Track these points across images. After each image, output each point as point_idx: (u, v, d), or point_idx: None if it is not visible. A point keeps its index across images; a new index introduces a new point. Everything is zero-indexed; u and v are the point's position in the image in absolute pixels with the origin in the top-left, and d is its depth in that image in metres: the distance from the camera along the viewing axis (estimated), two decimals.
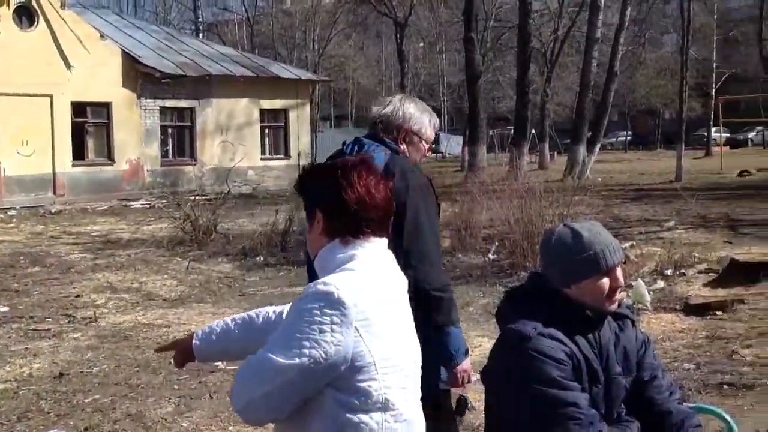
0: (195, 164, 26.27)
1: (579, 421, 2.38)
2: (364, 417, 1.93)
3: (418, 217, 3.17)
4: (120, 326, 7.91)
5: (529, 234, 10.05)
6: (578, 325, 2.51)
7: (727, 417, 3.07)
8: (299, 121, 29.36)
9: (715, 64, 41.39)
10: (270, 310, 2.30)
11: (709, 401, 4.95)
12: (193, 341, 2.30)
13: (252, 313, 2.31)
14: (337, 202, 2.04)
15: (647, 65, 48.88)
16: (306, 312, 1.90)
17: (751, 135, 47.37)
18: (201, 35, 45.72)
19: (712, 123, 37.98)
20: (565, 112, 45.74)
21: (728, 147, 39.16)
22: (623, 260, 2.55)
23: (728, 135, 41.70)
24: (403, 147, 3.40)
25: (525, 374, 2.41)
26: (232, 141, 25.93)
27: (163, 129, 26.35)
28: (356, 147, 3.35)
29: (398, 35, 40.29)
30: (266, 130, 28.79)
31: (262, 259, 11.66)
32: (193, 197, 14.61)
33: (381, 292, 2.00)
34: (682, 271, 9.21)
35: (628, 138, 52.41)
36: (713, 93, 39.26)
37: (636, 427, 2.56)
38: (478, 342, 6.98)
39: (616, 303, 2.57)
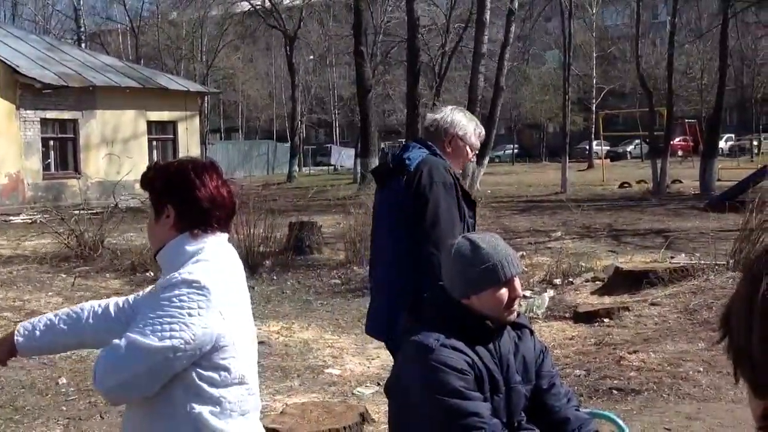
0: (79, 177, 25.35)
1: (482, 431, 2.42)
2: (223, 391, 2.16)
3: (438, 209, 3.56)
4: None
5: None
6: (479, 335, 2.55)
7: (619, 421, 3.19)
8: (188, 133, 28.82)
9: (595, 80, 43.05)
10: (95, 304, 2.44)
11: (599, 406, 5.12)
12: (15, 337, 2.37)
13: (76, 308, 2.44)
14: (191, 198, 2.24)
15: (531, 81, 50.40)
16: (174, 298, 2.10)
17: (629, 148, 49.47)
18: (83, 45, 44.30)
19: (593, 136, 39.50)
20: None
21: (609, 159, 40.75)
22: (521, 271, 2.62)
23: (608, 148, 43.38)
24: (449, 150, 3.77)
25: (428, 385, 2.43)
26: (118, 154, 25.16)
27: (45, 141, 25.35)
28: (402, 149, 3.85)
29: (288, 48, 40.17)
30: (154, 143, 28.12)
31: (151, 274, 11.35)
32: (77, 211, 14.08)
33: (232, 279, 2.25)
34: (570, 279, 9.51)
35: (515, 151, 53.77)
36: (594, 107, 40.85)
37: None
38: (375, 354, 7.01)
39: (515, 313, 2.63)
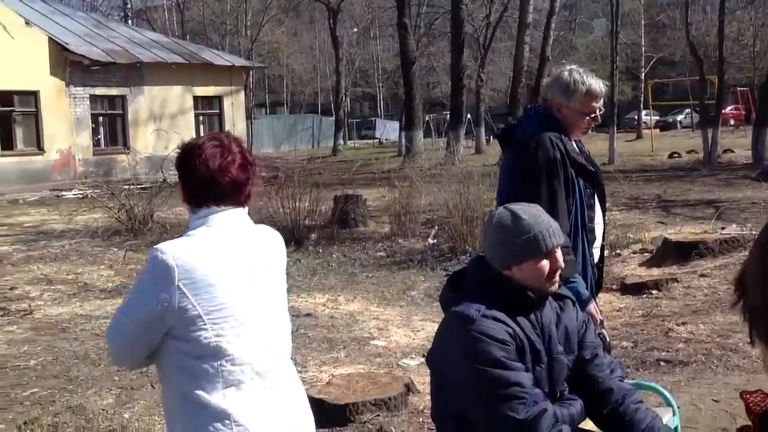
0: (128, 153, 25.73)
1: (523, 400, 2.42)
2: (199, 361, 2.24)
3: (539, 184, 3.50)
4: (56, 318, 7.74)
5: (468, 218, 10.14)
6: (520, 306, 2.55)
7: (665, 392, 3.17)
8: (234, 107, 29.04)
9: (643, 48, 42.20)
10: None
11: (646, 378, 5.09)
12: None
13: None
14: (189, 176, 2.35)
15: (578, 50, 49.63)
16: (143, 273, 2.30)
17: (679, 117, 48.49)
18: (130, 21, 44.76)
19: (642, 106, 38.83)
20: (499, 97, 46.21)
21: (658, 129, 40.06)
22: (563, 242, 2.60)
23: (658, 118, 42.61)
24: (560, 117, 3.60)
25: (469, 355, 2.44)
26: (165, 129, 25.49)
27: (94, 117, 25.77)
28: (521, 116, 3.97)
29: (331, 21, 40.09)
30: (200, 118, 28.40)
31: None
32: (127, 186, 14.32)
33: (220, 255, 2.27)
34: (618, 251, 9.42)
35: None
36: (642, 77, 40.09)
37: (579, 405, 2.62)
38: (420, 326, 7.04)
39: (557, 284, 2.62)
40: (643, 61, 41.76)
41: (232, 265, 2.30)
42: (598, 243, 3.72)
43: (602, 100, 3.66)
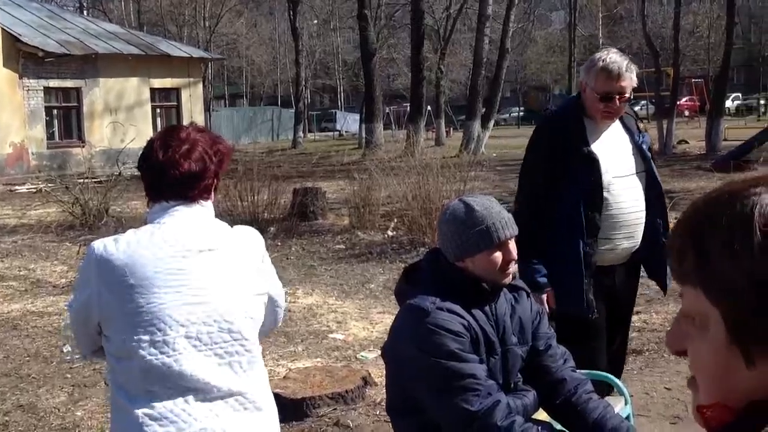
0: (83, 146, 25.34)
1: (477, 392, 2.42)
2: (120, 364, 2.18)
3: (522, 168, 3.68)
4: (8, 315, 7.59)
5: (427, 210, 10.15)
6: (474, 298, 2.55)
7: (617, 381, 3.19)
8: (192, 100, 28.74)
9: (601, 41, 42.65)
10: None
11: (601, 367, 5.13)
12: None
13: None
14: (140, 169, 2.31)
15: (537, 42, 49.99)
16: (79, 268, 2.31)
17: (636, 108, 48.79)
18: (85, 12, 44.05)
19: None
20: (459, 89, 46.39)
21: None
22: (516, 233, 2.60)
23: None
24: (584, 96, 3.50)
25: (424, 348, 2.44)
26: (122, 121, 25.12)
27: (48, 110, 25.32)
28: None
29: (291, 12, 39.83)
30: (158, 110, 28.06)
31: None
32: (82, 180, 14.09)
33: (150, 255, 2.15)
34: None
35: (521, 113, 53.56)
36: None
37: (532, 396, 2.63)
38: (379, 318, 7.03)
39: (510, 276, 2.62)
40: None
41: (164, 268, 2.15)
42: (619, 237, 3.49)
43: (621, 84, 3.36)
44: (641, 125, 3.68)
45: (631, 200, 3.48)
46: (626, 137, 3.54)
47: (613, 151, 3.49)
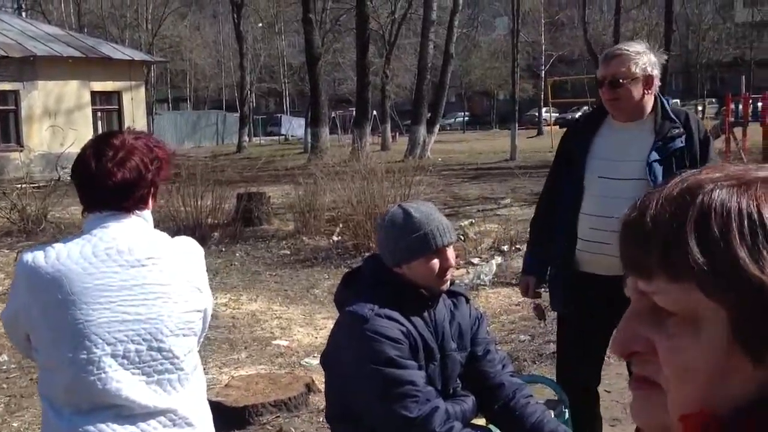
0: (22, 150, 24.76)
1: (416, 399, 2.43)
2: (46, 371, 2.14)
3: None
4: None
5: (372, 215, 10.15)
6: (413, 304, 2.56)
7: (556, 385, 3.23)
8: (134, 103, 28.30)
9: (543, 47, 43.24)
10: None
11: (543, 371, 5.19)
12: None
13: None
14: (74, 178, 2.22)
15: (481, 48, 50.52)
16: (15, 276, 2.23)
17: (578, 114, 49.87)
18: (23, 14, 43.08)
19: (542, 103, 39.78)
20: (405, 94, 46.58)
21: (558, 126, 41.09)
22: (455, 240, 2.62)
23: (558, 115, 43.73)
24: None
25: (363, 355, 2.44)
26: (61, 125, 24.60)
27: None
28: None
29: (235, 15, 39.56)
30: (98, 114, 27.56)
31: None
32: (20, 185, 13.77)
33: (87, 267, 2.08)
34: (518, 246, 9.58)
35: (466, 119, 54.00)
36: (543, 74, 41.07)
37: (471, 402, 2.65)
38: (323, 324, 7.01)
39: (448, 282, 2.64)
40: (543, 59, 42.78)
41: (93, 283, 2.08)
42: (596, 241, 3.34)
43: (612, 68, 3.22)
44: (700, 130, 3.35)
45: (613, 205, 3.23)
46: (645, 141, 3.29)
47: (616, 153, 3.33)
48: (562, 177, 3.47)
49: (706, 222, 0.76)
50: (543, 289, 3.79)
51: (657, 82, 3.31)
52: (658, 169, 3.23)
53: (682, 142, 3.26)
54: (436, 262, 2.53)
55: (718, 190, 0.77)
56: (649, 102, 3.31)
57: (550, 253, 3.51)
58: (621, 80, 3.21)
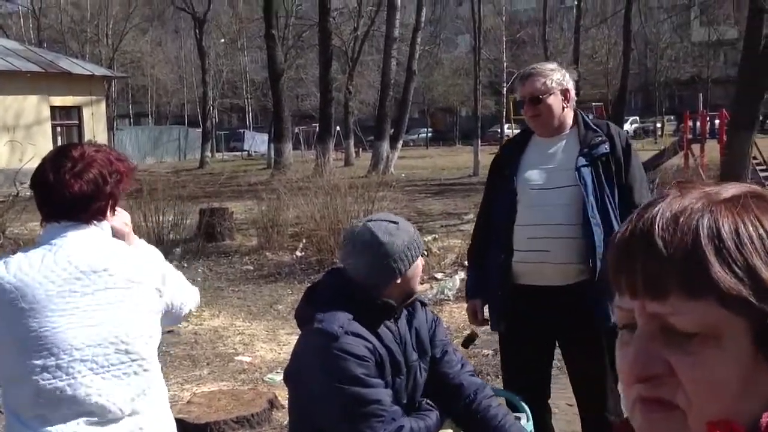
0: None
1: (382, 418, 2.42)
2: (11, 383, 2.10)
3: None
4: None
5: (335, 230, 10.15)
6: (379, 316, 2.55)
7: (518, 399, 3.25)
8: (94, 118, 28.02)
9: (505, 64, 43.61)
10: None
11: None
12: None
13: None
14: (32, 188, 2.20)
15: (444, 65, 50.88)
16: None
17: None
18: None
19: (504, 120, 40.11)
20: (368, 110, 46.69)
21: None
22: (420, 256, 2.64)
23: (519, 131, 44.15)
24: None
25: (330, 373, 2.41)
26: (20, 140, 24.26)
27: None
28: None
29: (197, 31, 39.42)
30: (58, 129, 27.24)
31: None
32: None
33: (49, 275, 2.09)
34: None
35: (429, 135, 54.23)
36: (504, 91, 41.41)
37: (435, 416, 2.64)
38: (287, 340, 6.98)
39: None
40: (505, 76, 43.08)
41: (56, 290, 2.09)
42: (524, 249, 3.40)
43: (529, 86, 3.39)
44: (621, 138, 3.46)
45: (547, 213, 3.35)
46: (571, 150, 3.40)
47: (545, 163, 3.42)
48: (496, 194, 3.54)
49: (720, 241, 0.79)
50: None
51: (573, 96, 3.48)
52: (587, 173, 3.35)
53: (606, 148, 3.39)
54: (407, 281, 2.58)
55: (716, 210, 0.81)
56: (569, 116, 3.48)
57: (488, 271, 3.54)
58: (539, 96, 3.38)
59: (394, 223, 2.61)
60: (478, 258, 3.63)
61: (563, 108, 3.43)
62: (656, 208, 0.83)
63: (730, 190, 0.84)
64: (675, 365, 0.80)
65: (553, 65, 3.51)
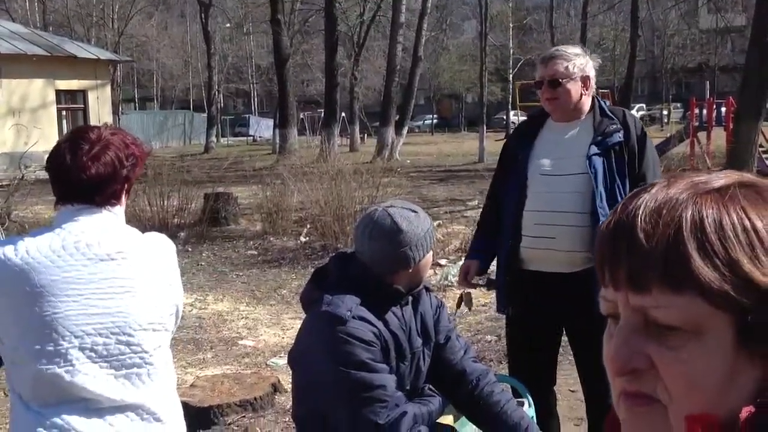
0: None
1: (385, 404, 2.41)
2: (14, 365, 2.09)
3: None
4: None
5: (339, 216, 10.15)
6: (387, 301, 2.54)
7: (521, 385, 3.25)
8: (100, 102, 28.02)
9: (511, 50, 43.49)
10: None
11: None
12: None
13: None
14: (48, 170, 2.19)
15: (450, 51, 50.71)
16: None
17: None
18: None
19: (510, 107, 40.01)
20: (373, 95, 46.65)
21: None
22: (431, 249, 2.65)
23: (525, 118, 44.01)
24: None
25: (335, 357, 2.40)
26: (26, 124, 24.26)
27: None
28: None
29: (203, 15, 39.31)
30: (63, 112, 27.24)
31: None
32: None
33: (56, 259, 2.07)
34: None
35: (434, 121, 54.13)
36: (510, 78, 41.30)
37: (438, 401, 2.64)
38: (290, 324, 6.99)
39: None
40: (511, 62, 43.02)
41: (62, 276, 2.07)
42: (533, 235, 3.39)
43: (549, 68, 3.33)
44: (637, 126, 3.41)
45: (556, 200, 3.34)
46: (585, 138, 3.37)
47: (557, 150, 3.39)
48: (506, 179, 3.53)
49: (703, 233, 0.78)
50: (481, 281, 3.86)
51: (593, 84, 3.42)
52: (598, 162, 3.31)
53: (620, 137, 3.35)
54: (418, 271, 2.58)
55: (701, 202, 0.79)
56: (586, 103, 3.42)
57: (496, 250, 3.56)
58: (560, 80, 3.32)
59: (414, 212, 2.58)
60: (485, 224, 3.69)
61: (581, 95, 3.38)
62: (641, 199, 0.82)
63: (720, 180, 0.82)
64: (656, 360, 0.80)
65: (578, 50, 3.43)
